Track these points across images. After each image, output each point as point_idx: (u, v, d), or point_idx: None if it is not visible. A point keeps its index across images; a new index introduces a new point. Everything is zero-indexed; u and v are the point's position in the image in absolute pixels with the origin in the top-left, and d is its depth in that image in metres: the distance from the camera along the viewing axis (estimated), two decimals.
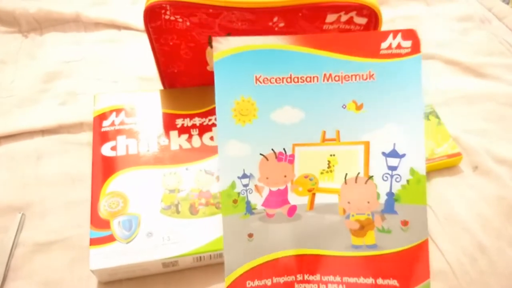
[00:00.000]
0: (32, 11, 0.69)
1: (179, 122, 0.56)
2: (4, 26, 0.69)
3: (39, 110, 0.60)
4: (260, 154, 0.38)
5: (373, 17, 0.50)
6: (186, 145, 0.54)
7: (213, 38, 0.39)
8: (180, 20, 0.51)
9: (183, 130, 0.55)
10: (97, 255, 0.45)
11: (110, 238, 0.46)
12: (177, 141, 0.54)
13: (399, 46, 0.38)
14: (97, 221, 0.47)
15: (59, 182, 0.53)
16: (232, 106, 0.38)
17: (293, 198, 0.38)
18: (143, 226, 0.47)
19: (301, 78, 0.38)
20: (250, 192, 0.38)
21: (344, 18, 0.50)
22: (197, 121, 0.56)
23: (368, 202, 0.38)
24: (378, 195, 0.38)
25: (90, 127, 0.56)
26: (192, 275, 0.48)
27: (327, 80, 0.38)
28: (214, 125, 0.56)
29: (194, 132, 0.55)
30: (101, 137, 0.53)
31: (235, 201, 0.38)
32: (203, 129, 0.55)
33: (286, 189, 0.39)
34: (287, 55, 0.38)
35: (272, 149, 0.38)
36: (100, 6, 0.73)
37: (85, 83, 0.63)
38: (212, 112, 0.57)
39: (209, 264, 0.48)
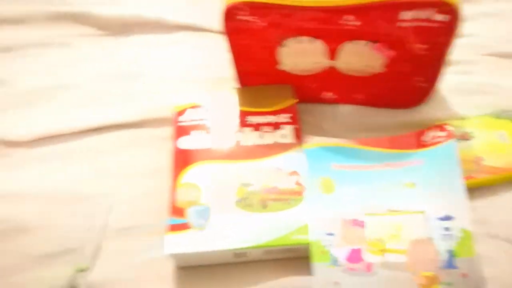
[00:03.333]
0: (120, 15, 0.75)
1: (252, 119, 0.57)
2: (96, 29, 0.75)
3: (124, 105, 0.64)
4: (340, 218, 0.48)
5: (452, 14, 0.48)
6: (259, 142, 0.55)
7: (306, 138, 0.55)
8: (256, 20, 0.53)
9: (256, 127, 0.56)
10: (172, 241, 0.47)
11: (185, 226, 0.48)
12: (250, 138, 0.56)
13: (435, 137, 0.52)
14: (173, 209, 0.50)
15: (140, 172, 0.57)
16: (318, 182, 0.51)
17: (368, 257, 0.46)
18: (216, 217, 0.49)
19: (366, 166, 0.51)
20: (334, 247, 0.47)
21: (421, 15, 0.49)
22: (270, 118, 0.57)
23: (431, 260, 0.45)
24: (439, 253, 0.45)
25: (170, 122, 0.60)
26: (262, 267, 0.49)
27: (386, 167, 0.51)
28: (285, 123, 0.57)
29: (267, 129, 0.56)
30: (178, 131, 0.57)
31: (322, 252, 0.47)
32: (275, 127, 0.56)
33: (362, 248, 0.47)
34: (355, 151, 0.53)
35: (349, 216, 0.48)
36: (181, 10, 0.77)
37: (165, 82, 0.67)
38: (284, 110, 0.58)
39: (279, 258, 0.49)
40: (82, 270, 0.49)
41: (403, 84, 0.59)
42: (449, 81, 0.63)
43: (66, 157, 0.59)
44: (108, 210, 0.54)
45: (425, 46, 0.53)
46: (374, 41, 0.53)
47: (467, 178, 0.51)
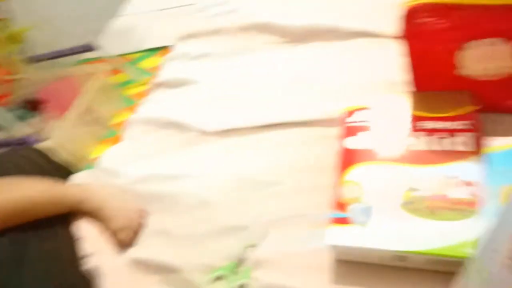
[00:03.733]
0: (299, 25, 0.81)
1: (426, 124, 0.56)
2: (277, 37, 0.83)
3: (298, 105, 0.69)
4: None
5: None
6: (431, 147, 0.53)
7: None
8: (437, 22, 0.51)
9: (429, 132, 0.55)
10: (334, 233, 0.49)
11: (347, 221, 0.50)
12: (422, 143, 0.54)
13: None
14: (337, 204, 0.51)
15: (307, 167, 0.61)
16: (501, 191, 0.46)
17: None
18: (379, 216, 0.49)
19: None
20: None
21: None
22: (445, 124, 0.55)
23: None
24: None
25: (338, 123, 0.62)
26: (422, 277, 0.47)
27: None
28: (463, 130, 0.53)
29: (441, 135, 0.54)
30: (346, 132, 0.59)
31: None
32: (451, 133, 0.53)
33: None
34: None
35: None
36: (355, 17, 0.79)
37: (336, 85, 0.70)
38: (462, 117, 0.55)
39: (441, 270, 0.46)
40: (250, 246, 0.55)
41: None
42: None
43: (246, 147, 0.67)
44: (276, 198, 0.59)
45: None
46: None
47: None
